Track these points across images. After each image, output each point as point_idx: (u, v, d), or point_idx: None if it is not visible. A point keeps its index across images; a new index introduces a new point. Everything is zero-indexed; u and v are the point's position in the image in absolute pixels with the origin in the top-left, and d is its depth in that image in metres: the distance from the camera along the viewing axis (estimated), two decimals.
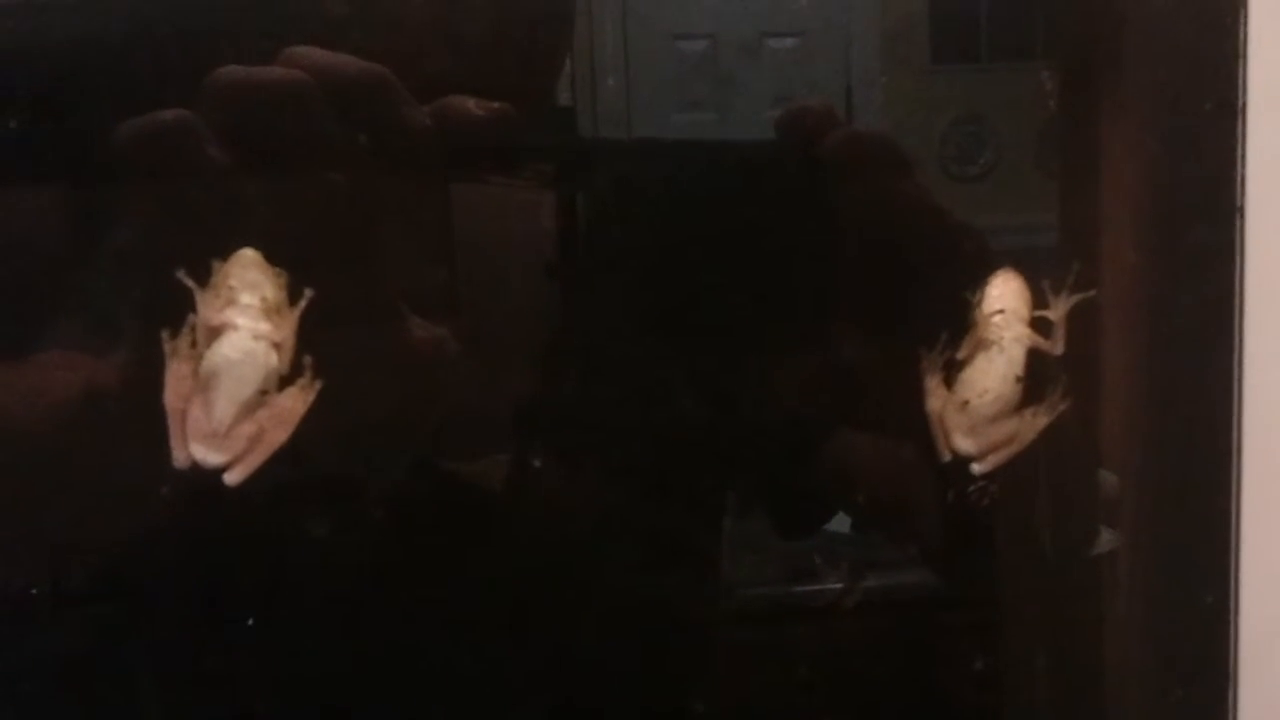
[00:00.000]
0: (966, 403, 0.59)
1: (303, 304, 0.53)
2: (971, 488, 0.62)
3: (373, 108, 0.55)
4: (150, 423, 0.53)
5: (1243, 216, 0.58)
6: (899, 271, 0.62)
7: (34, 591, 0.60)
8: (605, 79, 0.62)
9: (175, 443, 0.53)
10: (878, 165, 0.61)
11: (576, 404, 0.64)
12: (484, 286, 0.61)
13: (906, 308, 0.62)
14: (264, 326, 0.52)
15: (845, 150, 0.60)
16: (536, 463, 0.63)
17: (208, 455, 0.53)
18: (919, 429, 0.60)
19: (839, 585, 0.69)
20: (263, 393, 0.53)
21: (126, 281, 0.56)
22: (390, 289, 0.58)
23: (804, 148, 0.60)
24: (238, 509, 0.56)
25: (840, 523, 0.68)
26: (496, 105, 0.56)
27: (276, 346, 0.53)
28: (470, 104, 0.56)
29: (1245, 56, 0.56)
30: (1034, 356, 0.59)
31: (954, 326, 0.59)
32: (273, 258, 0.53)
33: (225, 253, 0.52)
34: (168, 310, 0.52)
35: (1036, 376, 0.59)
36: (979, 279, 0.59)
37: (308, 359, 0.53)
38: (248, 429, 0.53)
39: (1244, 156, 0.57)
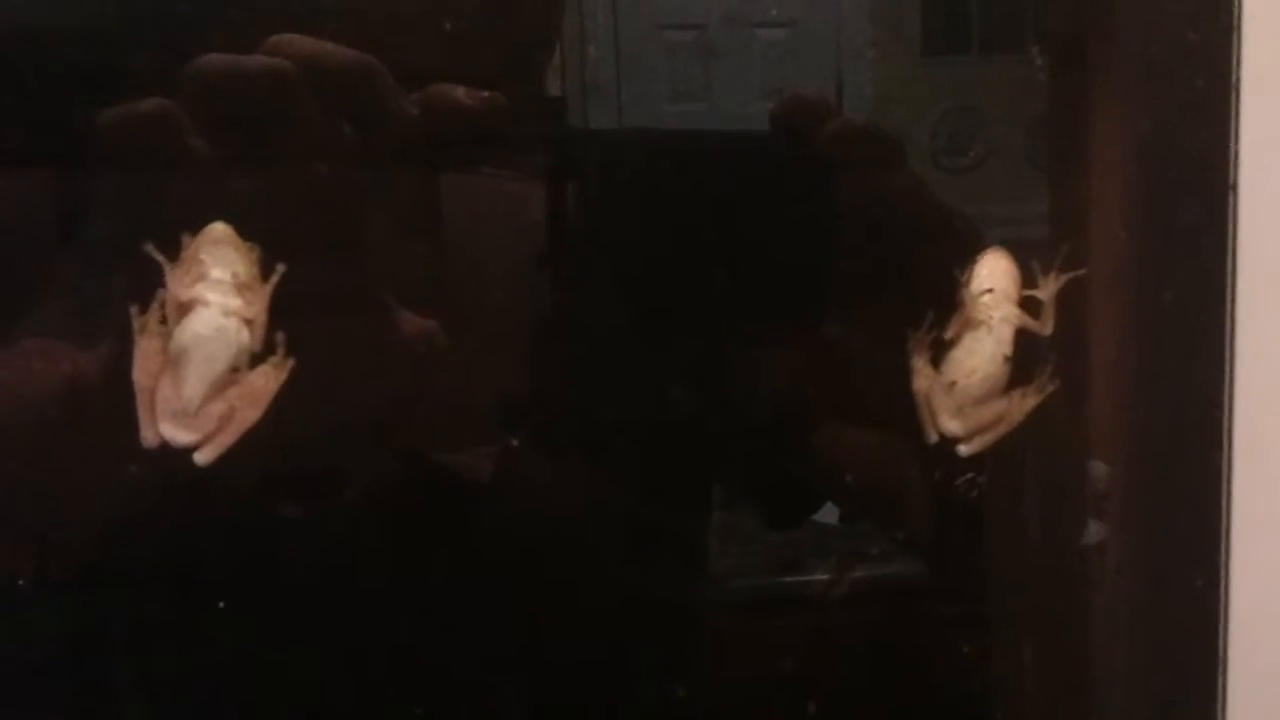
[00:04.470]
0: (954, 383, 0.58)
1: (275, 280, 0.52)
2: (961, 479, 0.62)
3: (359, 97, 0.55)
4: (131, 411, 0.52)
5: (1235, 194, 0.57)
6: (892, 263, 0.61)
7: (20, 582, 0.59)
8: (592, 62, 0.62)
9: (144, 421, 0.52)
10: (874, 156, 0.61)
11: (565, 395, 0.63)
12: (473, 278, 0.60)
13: (900, 299, 0.61)
14: (235, 303, 0.51)
15: (842, 141, 0.60)
16: (524, 454, 0.62)
17: (177, 434, 0.52)
18: (908, 418, 0.60)
19: (827, 576, 0.68)
20: (234, 370, 0.52)
21: (106, 271, 0.55)
22: (378, 281, 0.57)
23: (799, 138, 0.60)
24: (227, 499, 0.56)
25: (828, 514, 0.68)
26: (485, 94, 0.56)
27: (248, 323, 0.52)
28: (459, 93, 0.56)
29: (1239, 32, 0.55)
30: (1023, 336, 0.58)
31: (941, 306, 0.59)
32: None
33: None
34: (146, 299, 0.52)
35: (1025, 357, 0.59)
36: (968, 259, 0.59)
37: (280, 336, 0.52)
38: (218, 408, 0.52)
39: (1237, 133, 0.56)
